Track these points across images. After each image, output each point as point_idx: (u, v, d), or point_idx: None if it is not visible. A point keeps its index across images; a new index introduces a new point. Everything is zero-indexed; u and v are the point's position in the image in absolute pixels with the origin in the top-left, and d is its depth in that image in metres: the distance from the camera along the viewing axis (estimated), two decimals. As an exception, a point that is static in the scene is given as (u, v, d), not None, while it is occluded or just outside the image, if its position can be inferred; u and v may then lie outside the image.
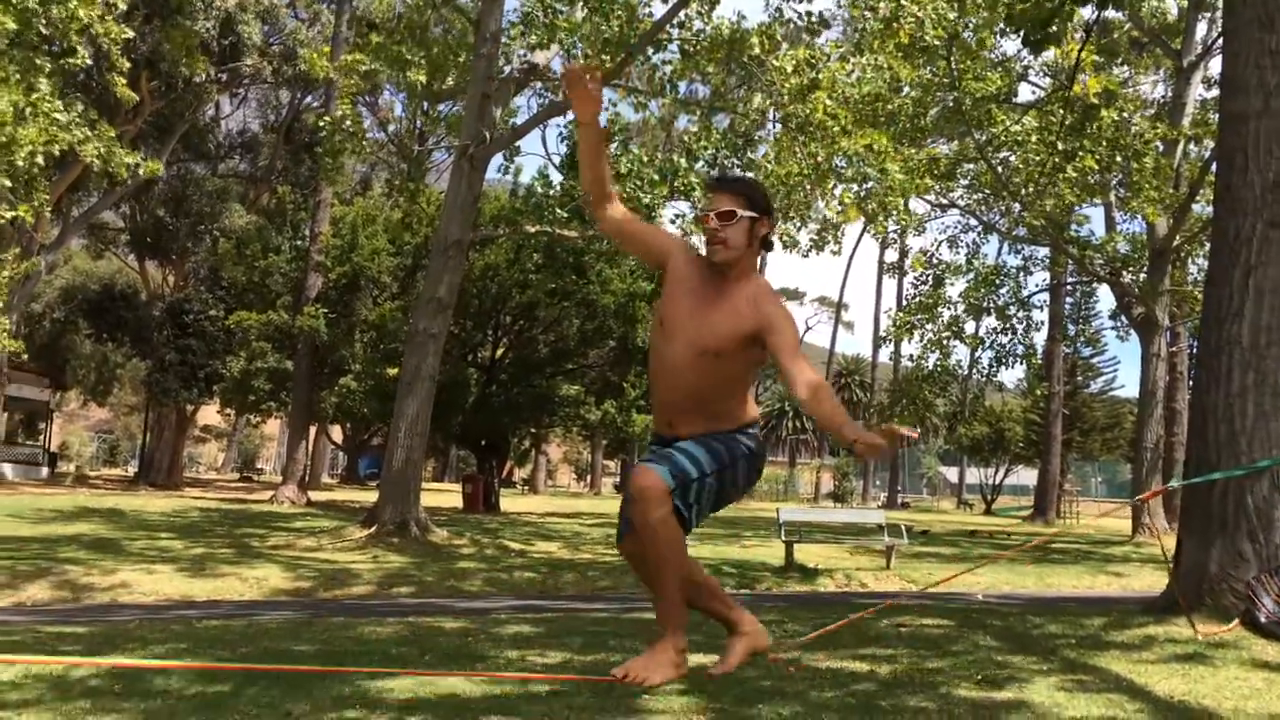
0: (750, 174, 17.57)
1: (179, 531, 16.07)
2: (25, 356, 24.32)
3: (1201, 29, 21.99)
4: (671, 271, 3.26)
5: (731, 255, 3.17)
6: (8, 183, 15.48)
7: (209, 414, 51.81)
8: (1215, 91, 23.83)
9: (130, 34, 17.80)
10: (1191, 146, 22.11)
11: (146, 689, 4.32)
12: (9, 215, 16.59)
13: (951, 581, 10.77)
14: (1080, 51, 14.80)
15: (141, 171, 18.26)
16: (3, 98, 14.34)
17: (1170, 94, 23.30)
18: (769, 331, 3.09)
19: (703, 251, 3.27)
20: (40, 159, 15.46)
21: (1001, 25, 16.60)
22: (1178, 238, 20.96)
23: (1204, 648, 5.77)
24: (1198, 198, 20.30)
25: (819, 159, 16.82)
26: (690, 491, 3.03)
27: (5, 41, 14.68)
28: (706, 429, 3.16)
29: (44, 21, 15.19)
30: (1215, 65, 22.08)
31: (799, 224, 18.69)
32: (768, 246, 3.28)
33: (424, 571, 12.85)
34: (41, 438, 40.55)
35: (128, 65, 18.46)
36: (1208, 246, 12.07)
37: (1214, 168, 9.33)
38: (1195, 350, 14.33)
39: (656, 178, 17.00)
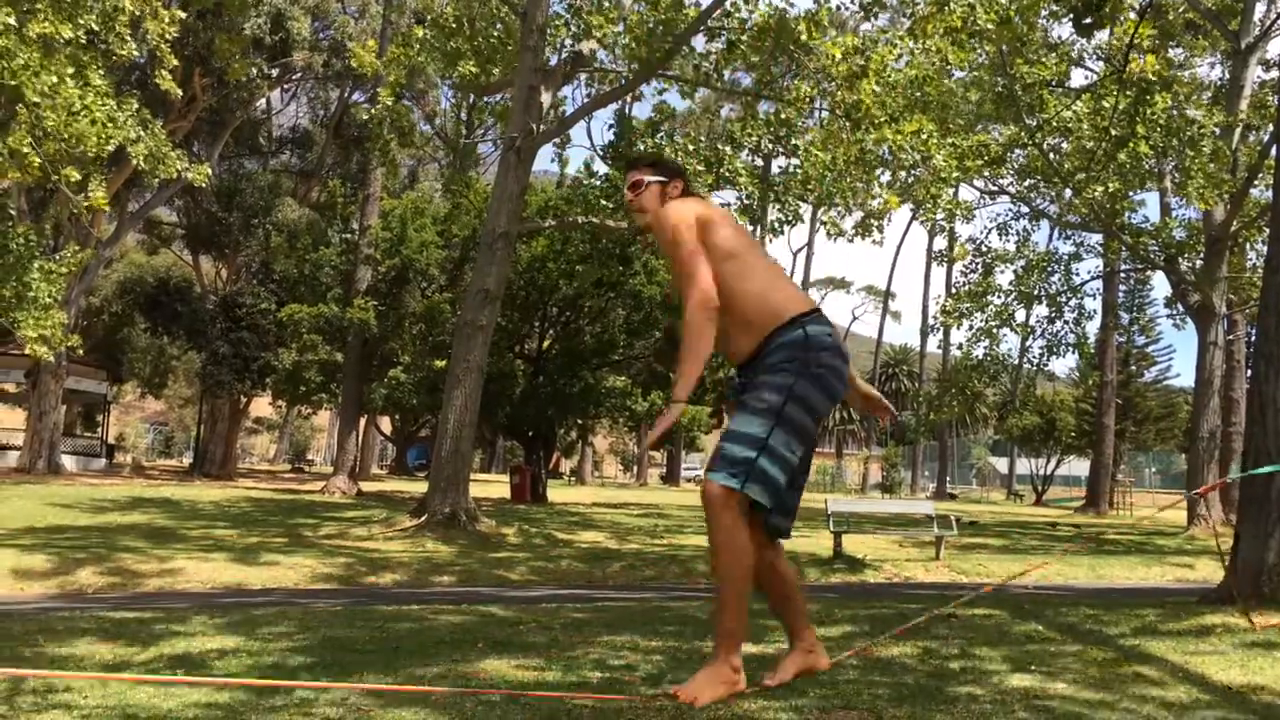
0: (795, 169, 17.45)
1: (232, 521, 16.35)
2: (82, 351, 24.80)
3: (1260, 9, 21.49)
4: None
5: (649, 218, 3.41)
6: (77, 176, 15.80)
7: (261, 406, 52.63)
8: (1274, 74, 23.34)
9: (176, 30, 18.04)
10: (1250, 130, 21.61)
11: (209, 673, 4.41)
12: (84, 204, 16.93)
13: (1016, 573, 10.67)
14: (1135, 31, 14.52)
15: (190, 176, 18.52)
16: (59, 98, 14.61)
17: (1227, 76, 22.77)
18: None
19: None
20: (104, 154, 15.77)
21: (1052, 7, 16.40)
22: (1235, 223, 20.52)
23: (1262, 639, 5.67)
24: (1256, 182, 19.86)
25: (865, 146, 16.68)
26: (757, 470, 2.95)
27: (62, 41, 14.95)
28: (757, 343, 3.19)
29: (94, 17, 15.44)
30: (1274, 47, 21.66)
31: (843, 212, 18.55)
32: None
33: (471, 560, 12.97)
34: (99, 429, 41.43)
35: (175, 62, 18.71)
36: (1267, 232, 11.82)
37: (1273, 151, 9.12)
38: (1254, 338, 14.05)
39: (702, 167, 16.97)
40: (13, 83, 13.98)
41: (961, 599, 7.49)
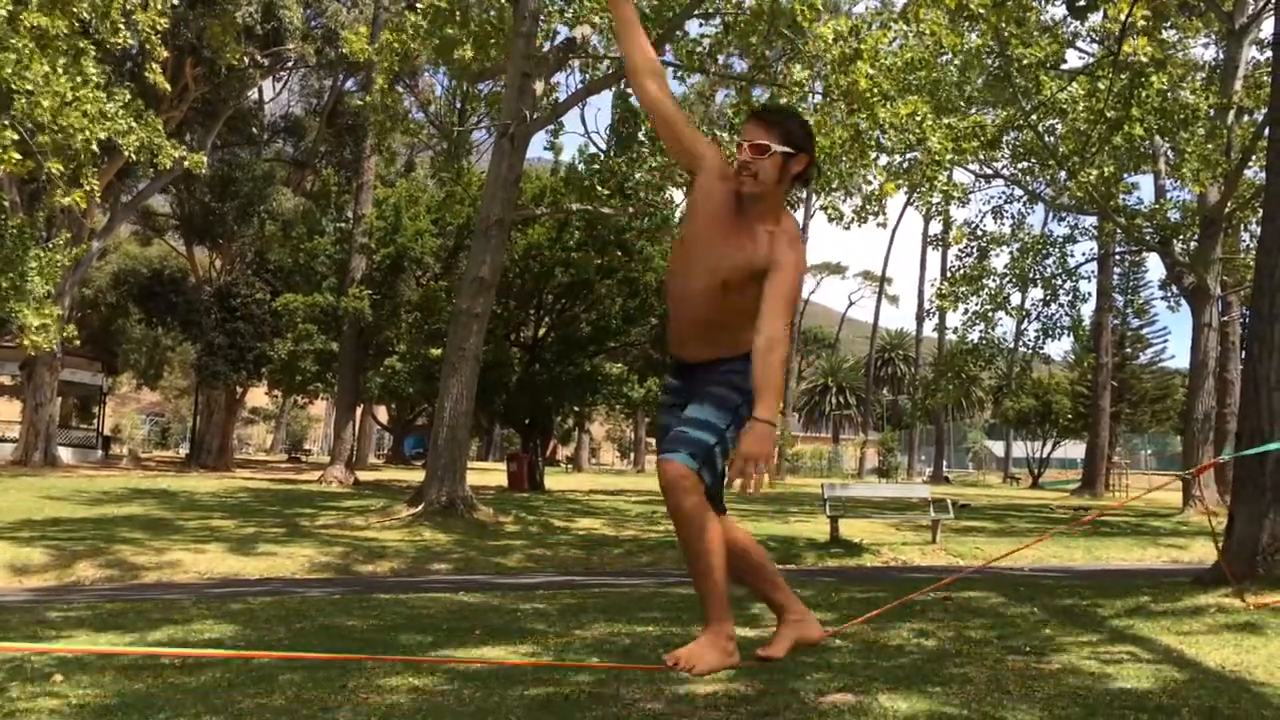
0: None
1: (230, 511, 16.35)
2: (78, 342, 24.72)
3: (1253, -10, 21.42)
4: (700, 186, 3.21)
5: (760, 189, 3.09)
6: (59, 169, 15.73)
7: (257, 396, 52.48)
8: (1268, 54, 23.29)
9: (166, 22, 17.94)
10: (1244, 113, 21.59)
11: (207, 663, 4.42)
12: (64, 201, 16.85)
13: (1004, 556, 10.71)
14: (1129, 12, 14.48)
15: (187, 164, 18.47)
16: (49, 90, 14.52)
17: (1221, 57, 22.75)
18: (772, 269, 3.02)
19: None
20: (94, 146, 15.70)
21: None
22: (1229, 204, 20.52)
23: (1256, 618, 5.70)
24: (1250, 163, 19.85)
25: (860, 129, 16.64)
26: (715, 459, 2.98)
27: (54, 33, 14.86)
28: (715, 355, 3.12)
29: (85, 5, 15.34)
30: (1268, 27, 21.57)
31: (842, 196, 18.52)
32: (804, 183, 3.21)
33: (469, 548, 12.99)
34: (95, 421, 41.39)
35: (165, 54, 18.62)
36: (1261, 213, 11.81)
37: (1267, 132, 9.12)
38: (1248, 320, 14.04)
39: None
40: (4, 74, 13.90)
41: (944, 581, 7.53)
